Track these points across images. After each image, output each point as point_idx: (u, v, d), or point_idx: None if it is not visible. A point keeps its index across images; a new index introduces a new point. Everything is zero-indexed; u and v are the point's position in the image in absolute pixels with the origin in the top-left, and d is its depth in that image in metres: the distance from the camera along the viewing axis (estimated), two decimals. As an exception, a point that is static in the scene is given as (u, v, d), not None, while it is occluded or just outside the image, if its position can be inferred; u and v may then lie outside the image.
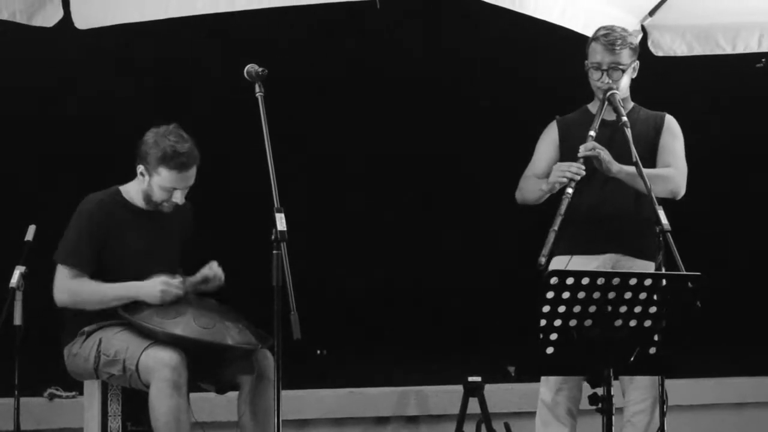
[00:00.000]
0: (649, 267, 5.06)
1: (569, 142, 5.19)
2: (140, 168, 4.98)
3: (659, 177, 5.01)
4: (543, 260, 4.73)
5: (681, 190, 5.17)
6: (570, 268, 4.94)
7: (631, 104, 5.25)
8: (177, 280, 4.94)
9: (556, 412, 5.19)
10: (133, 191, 5.05)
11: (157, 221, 5.05)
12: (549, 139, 5.30)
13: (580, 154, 4.97)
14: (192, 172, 4.97)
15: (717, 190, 7.86)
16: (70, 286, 4.92)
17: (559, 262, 5.06)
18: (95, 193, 5.05)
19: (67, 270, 4.92)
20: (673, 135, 5.25)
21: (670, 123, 5.28)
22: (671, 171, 5.16)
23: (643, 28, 6.31)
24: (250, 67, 4.50)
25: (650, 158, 5.11)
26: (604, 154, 4.99)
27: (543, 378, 5.18)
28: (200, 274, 5.08)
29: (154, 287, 4.89)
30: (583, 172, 4.94)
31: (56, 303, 4.95)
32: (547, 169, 5.19)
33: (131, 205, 5.04)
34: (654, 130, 5.23)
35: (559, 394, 5.17)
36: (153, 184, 4.97)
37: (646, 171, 4.77)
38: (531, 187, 5.21)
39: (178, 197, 4.98)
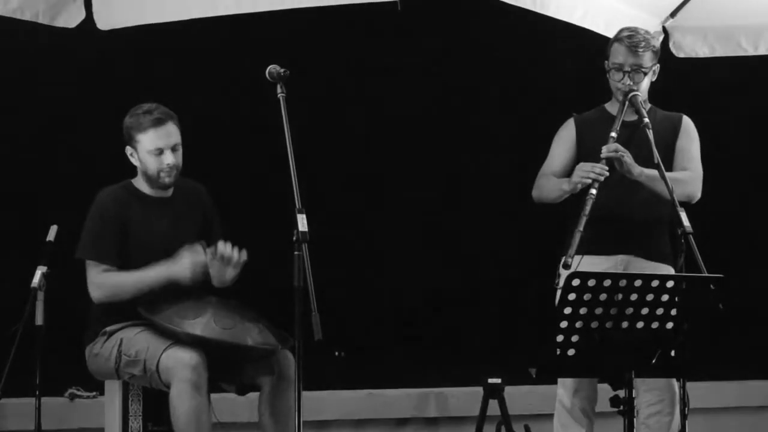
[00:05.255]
0: (661, 269, 5.06)
1: (587, 141, 5.19)
2: (128, 150, 5.02)
3: (677, 180, 4.99)
4: (570, 261, 4.74)
5: (697, 194, 5.17)
6: (581, 268, 4.92)
7: (648, 106, 5.24)
8: (199, 251, 4.93)
9: (573, 413, 5.18)
10: (140, 180, 5.08)
11: (169, 207, 5.07)
12: (566, 137, 5.28)
13: (603, 155, 4.97)
14: (171, 129, 4.98)
15: (740, 191, 7.82)
16: (103, 281, 4.93)
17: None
18: (109, 186, 5.09)
19: (95, 265, 4.94)
20: (690, 137, 5.25)
21: (687, 125, 5.27)
22: (689, 174, 5.15)
23: (664, 30, 6.29)
24: (272, 68, 4.50)
25: (667, 160, 5.09)
26: (627, 157, 4.98)
27: (560, 380, 5.18)
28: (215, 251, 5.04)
29: (183, 267, 4.90)
30: (607, 173, 4.93)
31: (93, 300, 4.95)
32: (563, 166, 5.19)
33: (143, 195, 5.07)
34: (671, 132, 5.22)
35: (576, 396, 5.18)
36: (141, 158, 4.99)
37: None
38: (550, 186, 5.20)
39: (169, 158, 4.97)
